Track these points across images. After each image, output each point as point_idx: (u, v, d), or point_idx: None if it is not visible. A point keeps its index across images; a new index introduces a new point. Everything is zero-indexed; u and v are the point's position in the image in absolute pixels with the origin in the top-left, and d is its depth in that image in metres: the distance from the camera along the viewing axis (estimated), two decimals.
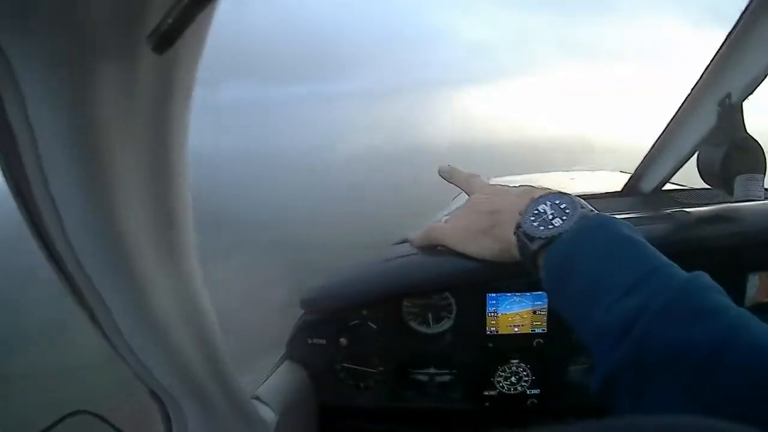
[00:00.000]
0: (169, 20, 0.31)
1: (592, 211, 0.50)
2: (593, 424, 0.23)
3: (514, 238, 0.54)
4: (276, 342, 0.92)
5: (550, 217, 0.50)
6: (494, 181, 1.50)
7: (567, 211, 0.49)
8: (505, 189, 0.64)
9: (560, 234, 0.48)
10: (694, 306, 0.39)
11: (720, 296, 0.40)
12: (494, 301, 0.84)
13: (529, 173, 1.56)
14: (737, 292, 0.97)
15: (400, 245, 0.86)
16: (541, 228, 0.50)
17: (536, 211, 0.51)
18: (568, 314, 0.48)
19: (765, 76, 0.88)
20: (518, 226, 0.53)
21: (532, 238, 0.50)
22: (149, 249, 0.42)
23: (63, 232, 0.37)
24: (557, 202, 0.51)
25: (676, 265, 0.44)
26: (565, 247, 0.47)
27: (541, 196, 0.53)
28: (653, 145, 0.99)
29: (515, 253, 0.55)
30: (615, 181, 1.16)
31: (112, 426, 0.60)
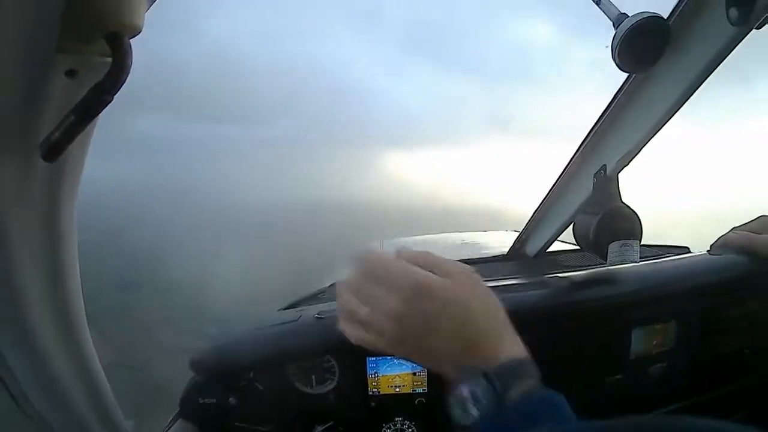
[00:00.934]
0: (56, 134, 0.37)
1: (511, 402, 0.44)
2: (593, 424, 0.26)
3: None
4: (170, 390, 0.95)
5: (471, 402, 0.45)
6: (388, 242, 1.55)
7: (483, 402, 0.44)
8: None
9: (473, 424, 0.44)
10: None
11: None
12: (374, 364, 0.88)
13: (423, 234, 1.61)
14: (623, 346, 1.03)
15: (285, 311, 0.90)
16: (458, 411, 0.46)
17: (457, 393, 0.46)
18: None
19: (638, 152, 0.94)
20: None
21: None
22: (44, 319, 0.48)
23: None
24: (476, 390, 0.45)
25: None
26: None
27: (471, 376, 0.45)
28: (536, 210, 1.05)
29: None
30: (505, 242, 1.21)
31: None
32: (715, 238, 1.11)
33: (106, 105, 0.38)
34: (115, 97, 0.44)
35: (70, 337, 0.52)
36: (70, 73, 0.37)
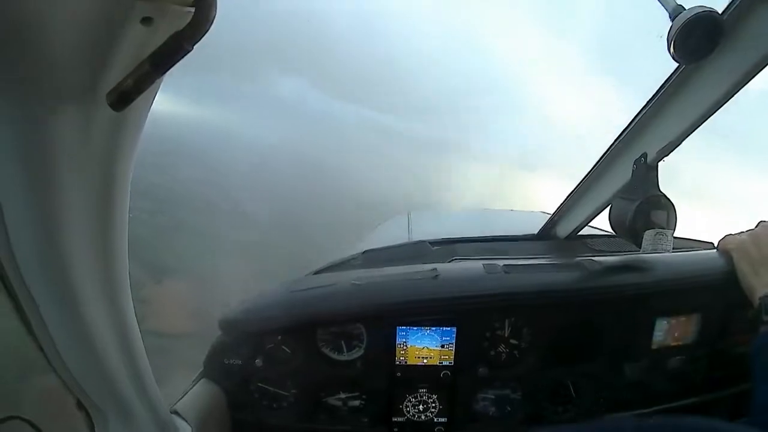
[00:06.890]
0: (129, 81, 0.35)
1: None
2: (593, 424, 0.26)
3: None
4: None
5: None
6: (416, 213, 1.54)
7: None
8: None
9: None
10: None
11: None
12: (404, 334, 0.88)
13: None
14: (646, 335, 1.03)
15: (316, 275, 0.89)
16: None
17: None
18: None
19: (680, 142, 0.93)
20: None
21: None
22: (86, 271, 0.46)
23: (10, 249, 0.41)
24: None
25: None
26: None
27: None
28: (571, 193, 1.04)
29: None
30: (533, 222, 1.21)
31: None
32: None
33: (185, 55, 0.36)
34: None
35: (111, 296, 0.51)
36: (146, 21, 0.35)
